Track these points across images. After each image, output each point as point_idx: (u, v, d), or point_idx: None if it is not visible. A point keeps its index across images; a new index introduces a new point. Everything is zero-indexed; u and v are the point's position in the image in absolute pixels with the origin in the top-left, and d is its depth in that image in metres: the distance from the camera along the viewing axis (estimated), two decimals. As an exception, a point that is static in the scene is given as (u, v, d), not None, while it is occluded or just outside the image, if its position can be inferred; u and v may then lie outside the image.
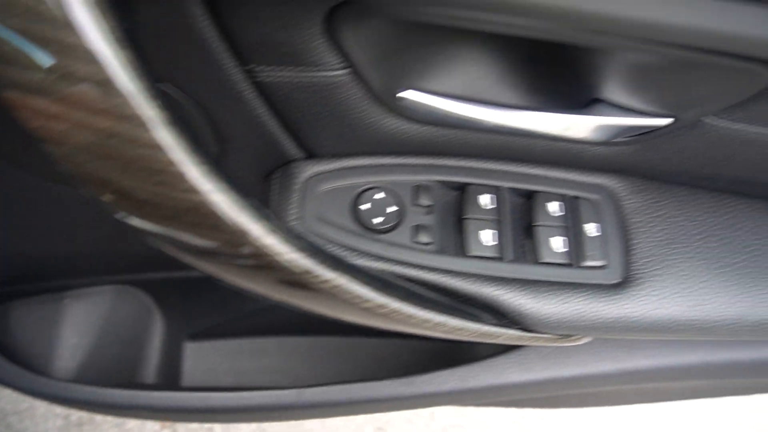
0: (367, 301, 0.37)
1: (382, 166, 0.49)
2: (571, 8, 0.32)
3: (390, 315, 0.39)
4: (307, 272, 0.34)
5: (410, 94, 0.41)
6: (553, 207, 0.51)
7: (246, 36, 0.35)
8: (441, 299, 0.45)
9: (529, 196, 0.51)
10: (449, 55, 0.42)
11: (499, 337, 0.47)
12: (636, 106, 0.44)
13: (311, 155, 0.49)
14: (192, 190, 0.29)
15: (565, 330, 0.48)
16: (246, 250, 0.33)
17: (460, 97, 0.43)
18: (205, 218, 0.31)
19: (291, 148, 0.48)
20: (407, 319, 0.40)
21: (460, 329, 0.44)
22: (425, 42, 0.40)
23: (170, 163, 0.28)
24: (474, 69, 0.43)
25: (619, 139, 0.47)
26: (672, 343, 0.74)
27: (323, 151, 0.48)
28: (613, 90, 0.44)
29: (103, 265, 0.82)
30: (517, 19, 0.34)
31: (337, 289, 0.36)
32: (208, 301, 0.90)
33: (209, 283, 0.81)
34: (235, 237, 0.32)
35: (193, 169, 0.28)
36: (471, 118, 0.44)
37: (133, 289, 0.89)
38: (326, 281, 0.35)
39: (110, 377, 0.86)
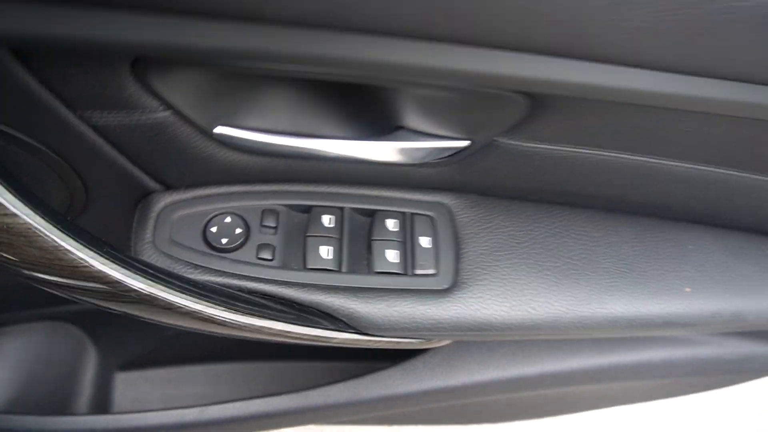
0: (180, 307, 0.43)
1: (233, 193, 0.56)
2: (341, 57, 0.39)
3: (210, 319, 0.45)
4: (118, 282, 0.40)
5: (226, 130, 0.48)
6: (390, 223, 0.57)
7: (67, 86, 0.42)
8: (276, 306, 0.51)
9: (372, 215, 0.58)
10: (262, 95, 0.49)
11: (333, 339, 0.52)
12: (433, 131, 0.51)
13: (169, 187, 0.56)
14: (3, 213, 0.36)
15: (395, 332, 0.54)
16: (61, 265, 0.39)
17: (279, 131, 0.50)
18: (18, 237, 0.37)
19: (149, 181, 0.54)
20: (230, 323, 0.46)
21: (288, 332, 0.49)
22: (236, 83, 0.48)
23: None
24: (287, 106, 0.51)
25: (432, 161, 0.54)
26: (557, 349, 0.79)
27: (177, 183, 0.55)
28: (410, 118, 0.51)
29: (32, 299, 0.88)
30: (296, 66, 0.41)
31: (150, 297, 0.42)
32: (135, 329, 0.95)
33: None
34: (49, 253, 0.38)
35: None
36: (294, 148, 0.51)
37: (66, 324, 0.94)
38: (136, 290, 0.41)
39: (42, 410, 0.90)
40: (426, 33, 0.37)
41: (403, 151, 0.52)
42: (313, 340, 0.51)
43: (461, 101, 0.47)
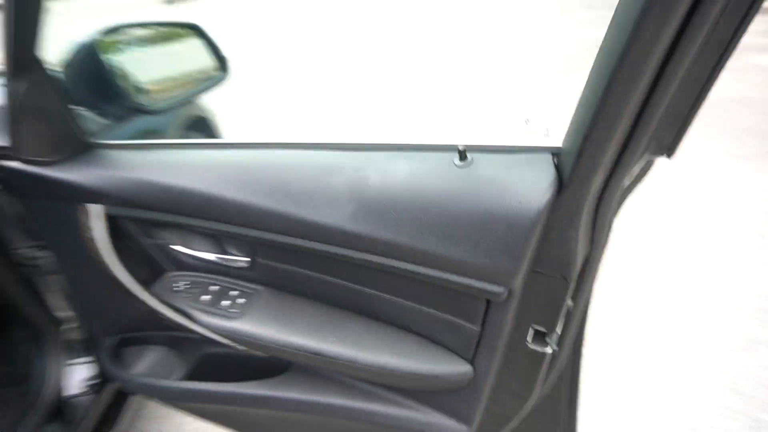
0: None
1: (193, 275, 1.49)
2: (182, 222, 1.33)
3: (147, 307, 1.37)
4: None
5: (175, 246, 1.43)
6: (234, 294, 1.42)
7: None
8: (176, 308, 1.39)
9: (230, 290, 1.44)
10: (186, 235, 1.44)
11: (186, 326, 1.36)
12: (235, 255, 1.37)
13: (173, 270, 1.52)
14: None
15: (212, 330, 1.35)
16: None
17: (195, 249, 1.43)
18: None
19: (170, 266, 1.52)
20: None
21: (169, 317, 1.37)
22: (179, 232, 1.44)
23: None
24: (195, 240, 1.44)
25: (244, 267, 1.38)
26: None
27: (172, 269, 1.51)
28: (229, 247, 1.38)
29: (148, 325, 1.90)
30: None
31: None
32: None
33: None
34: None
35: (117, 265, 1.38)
36: (198, 257, 1.43)
37: (166, 348, 1.94)
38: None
39: None
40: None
41: (228, 260, 1.39)
42: (180, 326, 1.37)
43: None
